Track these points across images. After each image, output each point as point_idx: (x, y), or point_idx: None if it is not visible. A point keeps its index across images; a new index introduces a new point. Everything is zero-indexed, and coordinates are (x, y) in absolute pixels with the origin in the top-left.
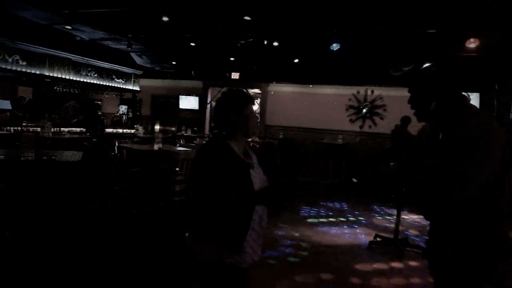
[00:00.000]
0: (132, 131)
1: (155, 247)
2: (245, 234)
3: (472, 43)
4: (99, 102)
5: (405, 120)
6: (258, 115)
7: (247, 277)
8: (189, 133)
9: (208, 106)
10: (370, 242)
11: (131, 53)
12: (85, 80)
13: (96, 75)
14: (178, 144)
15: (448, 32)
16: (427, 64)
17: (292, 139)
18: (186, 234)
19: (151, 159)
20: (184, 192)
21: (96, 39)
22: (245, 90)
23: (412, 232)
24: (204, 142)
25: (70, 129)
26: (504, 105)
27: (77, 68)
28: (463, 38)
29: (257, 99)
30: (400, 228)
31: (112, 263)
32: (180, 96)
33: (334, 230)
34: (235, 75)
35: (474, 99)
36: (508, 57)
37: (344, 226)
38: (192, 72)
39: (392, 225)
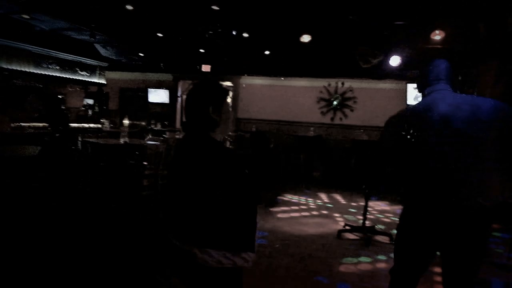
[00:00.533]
0: (99, 125)
1: (121, 244)
2: (255, 232)
3: (437, 35)
4: (62, 96)
5: None
6: (231, 108)
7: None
8: (159, 127)
9: (179, 99)
10: (339, 231)
11: (95, 44)
12: (46, 73)
13: (58, 67)
14: (146, 138)
15: (414, 25)
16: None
17: (264, 132)
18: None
19: (118, 154)
20: (156, 188)
21: (57, 29)
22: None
23: (380, 220)
24: (177, 137)
25: (31, 124)
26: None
27: (37, 60)
28: (429, 31)
29: (229, 91)
30: (368, 216)
31: (74, 261)
32: (149, 89)
33: (305, 220)
34: (206, 68)
35: None
36: (471, 48)
37: (315, 217)
38: (161, 64)
39: (361, 215)
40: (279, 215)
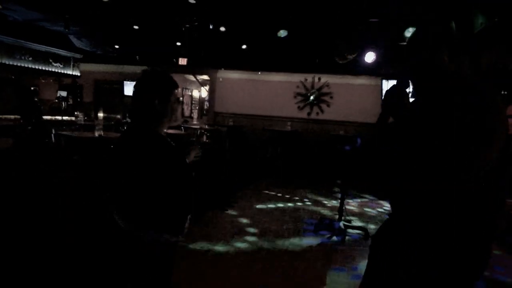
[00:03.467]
0: (73, 118)
1: (91, 237)
2: (186, 218)
3: (410, 32)
4: (35, 88)
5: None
6: (207, 102)
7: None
8: None
9: None
10: (316, 224)
11: (69, 36)
12: (19, 64)
13: (31, 58)
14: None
15: (388, 22)
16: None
17: (241, 126)
18: (119, 220)
19: (92, 147)
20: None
21: (31, 20)
22: (167, 73)
23: (355, 214)
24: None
25: (2, 116)
26: None
27: (10, 51)
28: (402, 27)
29: (206, 85)
30: (345, 210)
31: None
32: (125, 82)
33: (283, 214)
34: (182, 61)
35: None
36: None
37: (294, 211)
38: (137, 57)
39: (336, 210)
40: (259, 209)
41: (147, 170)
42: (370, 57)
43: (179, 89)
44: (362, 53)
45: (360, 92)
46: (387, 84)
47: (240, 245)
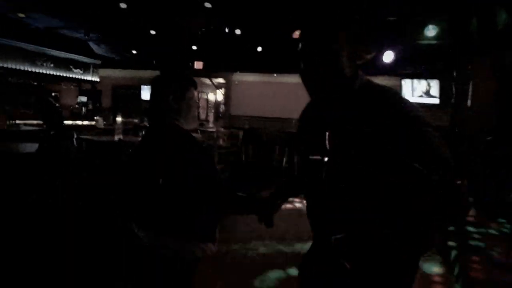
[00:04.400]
0: (92, 123)
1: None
2: (217, 222)
3: (430, 31)
4: (56, 94)
5: None
6: (223, 105)
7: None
8: None
9: None
10: None
11: (89, 42)
12: (41, 71)
13: (52, 65)
14: (140, 135)
15: (407, 20)
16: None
17: (257, 128)
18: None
19: (112, 151)
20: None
21: (52, 28)
22: (187, 74)
23: None
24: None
25: (26, 121)
26: (462, 92)
27: (32, 58)
28: (421, 26)
29: (221, 88)
30: None
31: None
32: (142, 87)
33: (300, 216)
34: (198, 65)
35: (434, 86)
36: (465, 43)
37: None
38: (154, 61)
39: None
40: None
41: (170, 165)
42: (389, 56)
43: (195, 90)
44: (380, 52)
45: None
46: (407, 84)
47: (260, 248)
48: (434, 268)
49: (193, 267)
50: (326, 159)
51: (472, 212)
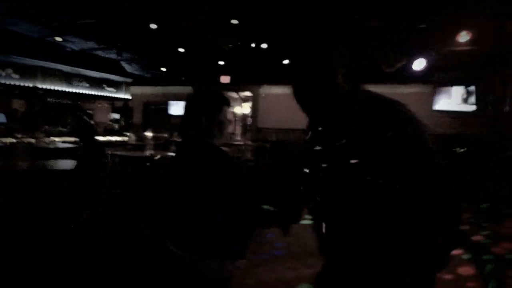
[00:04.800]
0: (125, 138)
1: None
2: (248, 241)
3: (463, 36)
4: (90, 111)
5: None
6: (250, 118)
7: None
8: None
9: None
10: None
11: (121, 62)
12: (76, 91)
13: (87, 85)
14: (170, 150)
15: (439, 27)
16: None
17: (285, 141)
18: (172, 246)
19: (143, 166)
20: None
21: (86, 49)
22: (220, 92)
23: None
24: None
25: (63, 138)
26: (500, 98)
27: (68, 78)
28: (454, 32)
29: (248, 101)
30: None
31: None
32: (170, 102)
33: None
34: (225, 79)
35: (471, 92)
36: (501, 48)
37: None
38: (182, 77)
39: None
40: (302, 224)
41: (204, 182)
42: (420, 64)
43: (228, 108)
44: (411, 60)
45: (409, 101)
46: (441, 91)
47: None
48: (469, 283)
49: (227, 285)
50: (325, 173)
51: (508, 223)
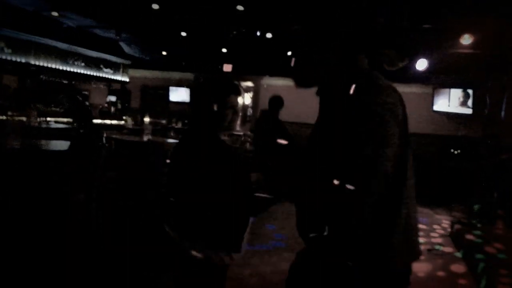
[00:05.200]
0: (121, 122)
1: (135, 240)
2: (244, 233)
3: (466, 39)
4: (86, 93)
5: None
6: (251, 108)
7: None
8: (179, 125)
9: None
10: None
11: (120, 42)
12: (72, 70)
13: (83, 64)
14: (169, 137)
15: (443, 28)
16: None
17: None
18: (172, 233)
19: (140, 151)
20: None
21: (84, 27)
22: (230, 79)
23: None
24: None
25: (56, 119)
26: (496, 102)
27: (64, 56)
28: (457, 34)
29: (250, 92)
30: None
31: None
32: (170, 88)
33: None
34: (227, 68)
35: (468, 96)
36: (502, 53)
37: None
38: (183, 63)
39: None
40: None
41: (205, 176)
42: (422, 64)
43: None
44: (413, 60)
45: (409, 100)
46: (440, 93)
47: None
48: (461, 280)
49: (223, 273)
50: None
51: (500, 224)
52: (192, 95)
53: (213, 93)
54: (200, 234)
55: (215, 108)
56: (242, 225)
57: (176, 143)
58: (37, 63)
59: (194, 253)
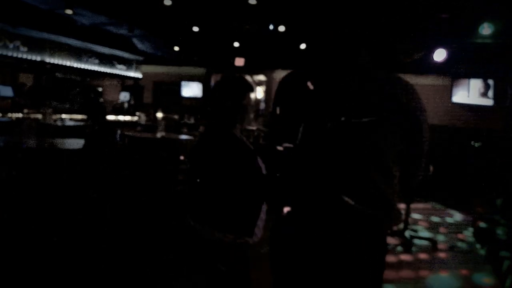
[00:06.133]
0: (135, 118)
1: (155, 236)
2: (256, 220)
3: (486, 28)
4: (100, 89)
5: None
6: (264, 103)
7: (248, 250)
8: (192, 121)
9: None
10: None
11: (132, 39)
12: (86, 67)
13: (97, 61)
14: (182, 132)
15: (461, 18)
16: None
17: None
18: (190, 220)
19: (154, 148)
20: (187, 181)
21: (97, 24)
22: (245, 77)
23: (422, 224)
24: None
25: (71, 116)
26: None
27: (78, 54)
28: (476, 23)
29: (262, 85)
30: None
31: (114, 252)
32: (183, 83)
33: None
34: (239, 62)
35: (489, 86)
36: None
37: None
38: (195, 58)
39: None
40: None
41: (219, 169)
42: (440, 54)
43: (252, 94)
44: (431, 50)
45: (427, 92)
46: (459, 84)
47: None
48: (485, 279)
49: (244, 252)
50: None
51: None
52: (209, 92)
53: (231, 93)
54: (217, 218)
55: (231, 106)
56: (254, 210)
57: (197, 139)
58: (51, 61)
59: (212, 235)
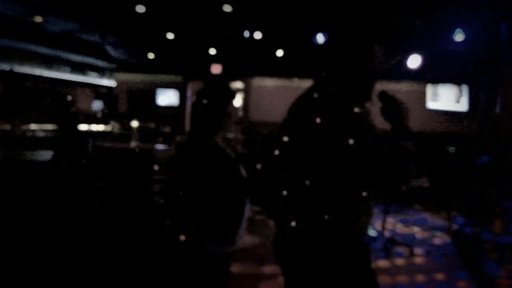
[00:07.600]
0: (109, 127)
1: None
2: (237, 229)
3: (459, 35)
4: (71, 98)
5: None
6: (241, 111)
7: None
8: (167, 129)
9: (189, 101)
10: None
11: (105, 46)
12: (57, 76)
13: (68, 69)
14: (157, 142)
15: (435, 25)
16: None
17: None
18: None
19: (128, 159)
20: (165, 192)
21: (68, 31)
22: (226, 84)
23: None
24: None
25: (41, 125)
26: (491, 98)
27: (48, 62)
28: (450, 30)
29: (239, 93)
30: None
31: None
32: (158, 90)
33: None
34: (216, 69)
35: (462, 92)
36: (495, 48)
37: None
38: (171, 65)
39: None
40: None
41: (201, 178)
42: (415, 60)
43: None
44: (405, 57)
45: (405, 99)
46: (433, 90)
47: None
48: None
49: (227, 261)
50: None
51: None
52: (194, 100)
53: (215, 100)
54: (197, 228)
55: (216, 113)
56: (234, 220)
57: (177, 149)
58: (21, 70)
59: (192, 245)
